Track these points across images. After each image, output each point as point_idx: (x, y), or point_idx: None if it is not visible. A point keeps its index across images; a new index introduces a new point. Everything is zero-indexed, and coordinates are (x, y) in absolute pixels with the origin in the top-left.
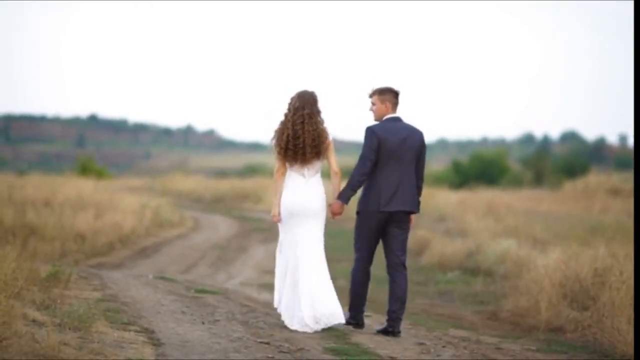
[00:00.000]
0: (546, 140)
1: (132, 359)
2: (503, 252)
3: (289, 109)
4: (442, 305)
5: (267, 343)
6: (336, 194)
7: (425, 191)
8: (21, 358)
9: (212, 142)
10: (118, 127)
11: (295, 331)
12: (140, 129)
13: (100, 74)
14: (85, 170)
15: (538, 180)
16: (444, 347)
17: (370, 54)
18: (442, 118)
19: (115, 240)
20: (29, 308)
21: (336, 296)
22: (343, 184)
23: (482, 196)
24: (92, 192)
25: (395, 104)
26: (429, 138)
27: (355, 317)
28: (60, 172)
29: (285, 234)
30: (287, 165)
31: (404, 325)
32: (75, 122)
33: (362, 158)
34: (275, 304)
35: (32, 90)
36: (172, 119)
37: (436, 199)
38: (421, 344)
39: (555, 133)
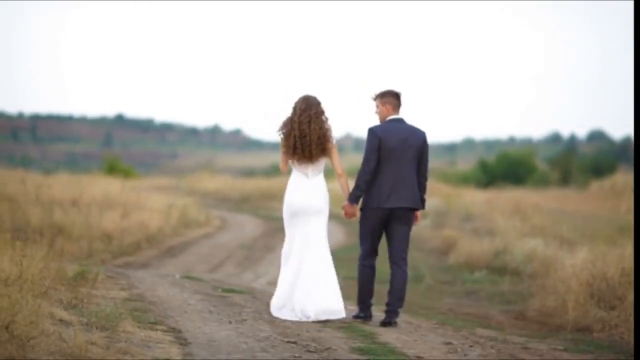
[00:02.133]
0: (573, 140)
1: (159, 358)
2: (530, 252)
3: (294, 112)
4: (469, 305)
5: (294, 342)
6: (345, 195)
7: (452, 190)
8: (48, 357)
9: (238, 141)
10: (145, 127)
11: (323, 331)
12: (167, 129)
13: (127, 74)
14: (112, 169)
15: (565, 179)
16: (471, 346)
17: (396, 56)
18: (469, 117)
19: (142, 240)
20: (56, 307)
21: (339, 293)
22: (350, 184)
23: (509, 195)
24: (118, 191)
25: (396, 106)
26: (455, 137)
27: (363, 310)
28: (87, 171)
29: (289, 231)
30: (293, 163)
31: (430, 325)
32: (102, 121)
33: (366, 158)
34: (274, 311)
35: (59, 90)
36: (199, 119)
37: (463, 198)
38: (448, 343)
39: (582, 132)
